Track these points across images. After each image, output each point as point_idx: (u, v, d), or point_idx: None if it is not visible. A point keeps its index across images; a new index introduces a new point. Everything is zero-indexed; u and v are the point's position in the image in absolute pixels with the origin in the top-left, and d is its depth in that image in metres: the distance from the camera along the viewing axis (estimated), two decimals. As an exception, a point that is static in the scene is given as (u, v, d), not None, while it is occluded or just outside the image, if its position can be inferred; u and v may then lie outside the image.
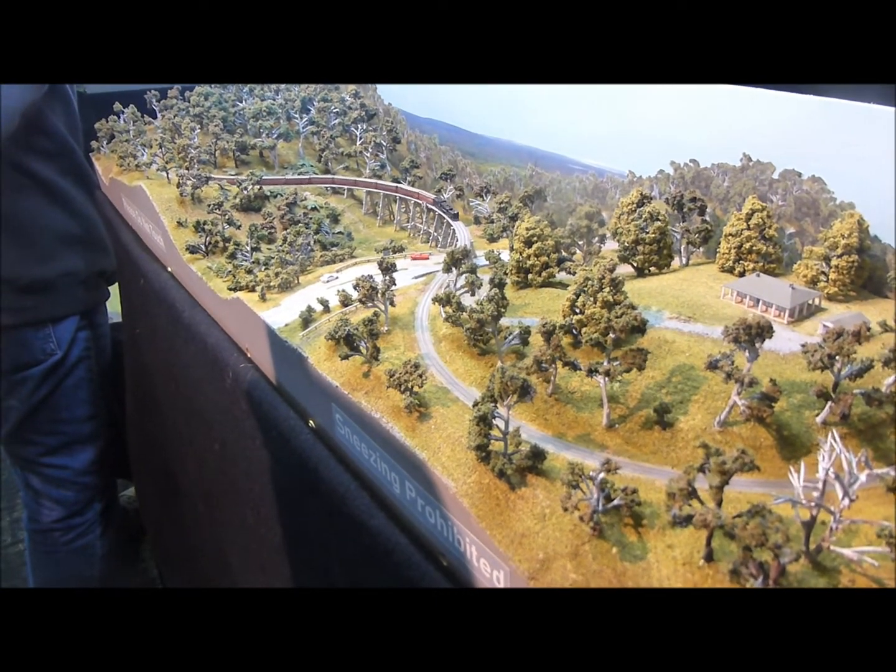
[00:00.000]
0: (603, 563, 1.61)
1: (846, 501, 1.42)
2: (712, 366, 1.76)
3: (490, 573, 1.77)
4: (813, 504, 1.43)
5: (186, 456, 4.21)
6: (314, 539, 2.65)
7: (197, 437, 3.86)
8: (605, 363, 1.83)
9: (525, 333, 2.12)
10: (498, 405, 1.78)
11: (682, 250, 2.71)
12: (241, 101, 4.86)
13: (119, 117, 4.70)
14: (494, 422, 1.79)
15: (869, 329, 1.67)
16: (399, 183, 3.99)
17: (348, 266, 3.12)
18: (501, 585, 1.74)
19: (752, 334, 1.69)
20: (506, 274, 2.48)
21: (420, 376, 1.99)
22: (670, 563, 1.58)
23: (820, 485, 1.42)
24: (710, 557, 1.54)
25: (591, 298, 2.07)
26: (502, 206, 3.19)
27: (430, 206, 3.53)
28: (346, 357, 2.24)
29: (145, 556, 6.40)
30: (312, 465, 2.43)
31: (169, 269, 3.81)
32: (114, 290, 5.31)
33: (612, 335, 1.85)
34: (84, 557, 5.46)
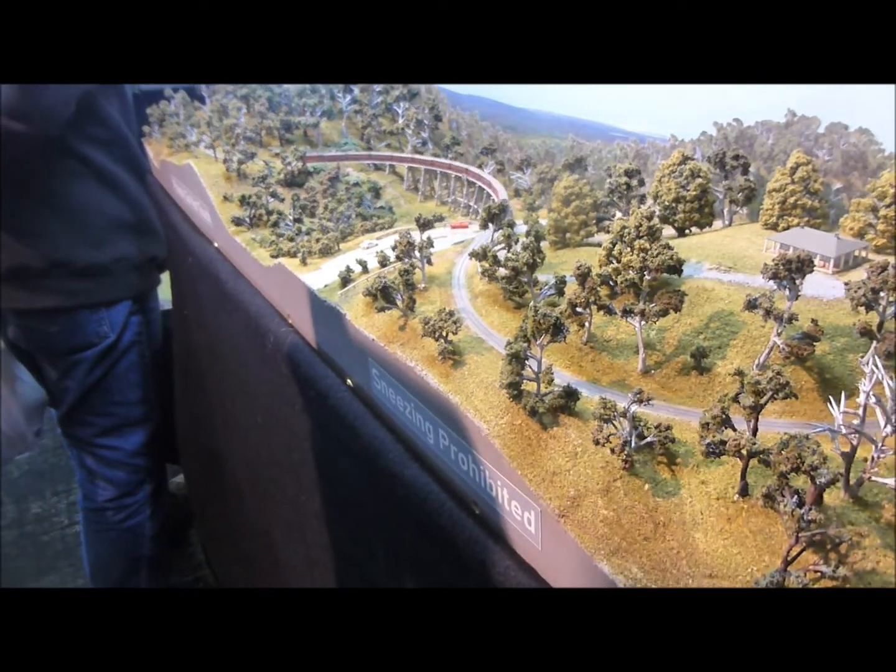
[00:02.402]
0: (635, 498, 1.58)
1: (888, 429, 1.36)
2: (751, 305, 1.72)
3: (521, 515, 1.76)
4: (853, 432, 1.39)
5: (231, 434, 4.29)
6: (352, 499, 2.67)
7: (241, 412, 3.92)
8: (641, 304, 1.80)
9: (561, 283, 2.10)
10: (531, 345, 1.77)
11: (724, 211, 2.65)
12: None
13: (170, 102, 4.83)
14: (527, 363, 1.78)
15: (916, 263, 1.60)
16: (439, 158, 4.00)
17: (388, 234, 3.14)
18: (532, 527, 1.73)
19: (793, 269, 1.64)
20: (542, 228, 2.46)
21: (455, 323, 1.99)
22: (704, 498, 1.55)
23: (860, 411, 1.37)
24: (745, 492, 1.50)
25: (628, 247, 2.04)
26: (542, 175, 3.17)
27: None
28: (382, 309, 2.25)
29: (193, 541, 6.54)
30: (349, 422, 2.45)
31: (215, 244, 3.89)
32: (165, 279, 5.44)
33: (647, 276, 1.82)
34: (134, 537, 5.60)
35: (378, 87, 4.72)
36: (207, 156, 4.20)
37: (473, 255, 2.31)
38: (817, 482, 1.27)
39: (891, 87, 2.02)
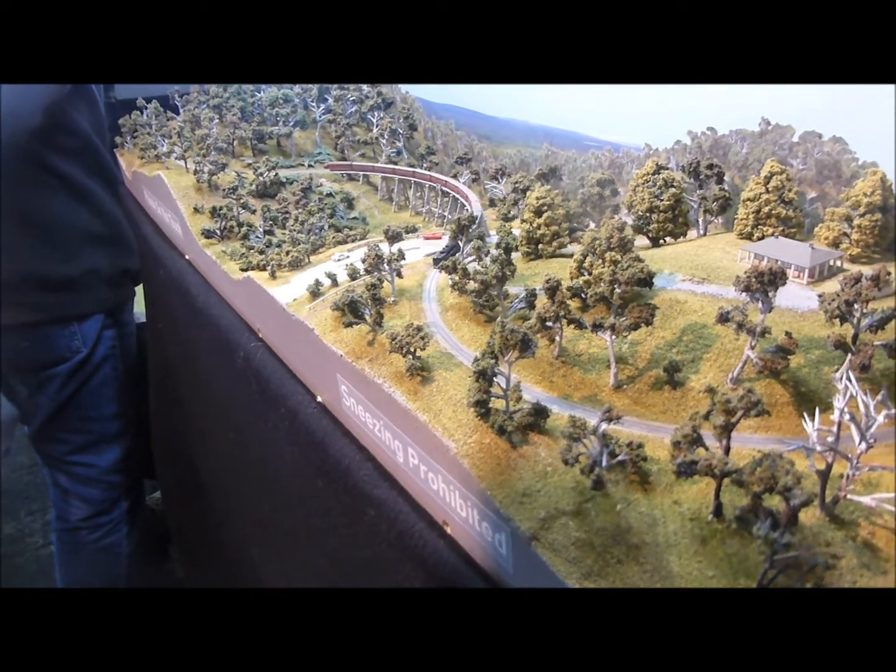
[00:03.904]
0: (606, 519, 1.53)
1: (863, 445, 1.32)
2: (723, 318, 1.68)
3: (492, 536, 1.70)
4: (827, 450, 1.34)
5: (206, 450, 4.21)
6: (323, 518, 2.60)
7: (215, 428, 3.85)
8: (611, 318, 1.76)
9: (531, 296, 2.06)
10: (499, 362, 1.71)
11: (699, 221, 2.62)
12: (260, 92, 4.88)
13: (143, 112, 4.76)
14: (495, 380, 1.72)
15: (889, 274, 1.57)
16: (414, 168, 3.95)
17: (360, 246, 3.09)
18: (503, 550, 1.67)
19: (765, 282, 1.60)
20: (514, 240, 2.41)
21: (422, 338, 1.94)
22: (677, 518, 1.50)
23: (835, 428, 1.33)
24: (718, 512, 1.45)
25: (599, 259, 2.00)
26: (517, 185, 3.13)
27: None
28: (350, 325, 2.19)
29: (173, 557, 6.42)
30: (319, 439, 2.39)
31: (186, 257, 3.81)
32: (140, 291, 5.35)
33: (617, 289, 1.78)
34: (110, 556, 5.48)
35: (352, 97, 4.68)
36: (179, 167, 4.12)
37: (443, 267, 2.26)
38: (791, 503, 1.23)
39: (861, 92, 2.01)
